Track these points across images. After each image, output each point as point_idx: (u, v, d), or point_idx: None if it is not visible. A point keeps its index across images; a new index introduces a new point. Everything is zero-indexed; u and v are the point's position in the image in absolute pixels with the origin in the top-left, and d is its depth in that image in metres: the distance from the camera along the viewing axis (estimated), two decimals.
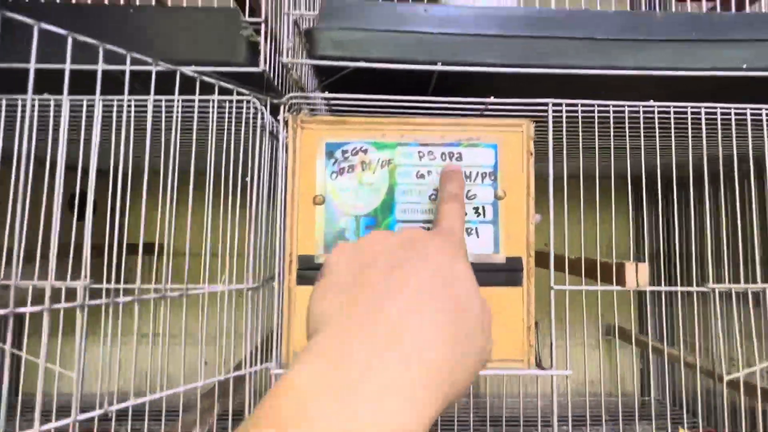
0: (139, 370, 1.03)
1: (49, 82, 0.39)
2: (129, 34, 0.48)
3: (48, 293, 0.38)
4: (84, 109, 0.46)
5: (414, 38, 0.48)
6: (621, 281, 0.48)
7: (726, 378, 0.46)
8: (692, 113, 0.49)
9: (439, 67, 0.48)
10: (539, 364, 0.49)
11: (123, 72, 0.46)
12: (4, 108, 0.46)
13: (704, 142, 0.49)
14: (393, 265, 0.21)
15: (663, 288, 0.48)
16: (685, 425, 0.86)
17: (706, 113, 0.49)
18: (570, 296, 0.49)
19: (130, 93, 0.47)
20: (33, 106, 0.48)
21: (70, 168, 0.48)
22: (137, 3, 0.55)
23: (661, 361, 1.11)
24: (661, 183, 0.50)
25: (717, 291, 0.47)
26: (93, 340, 0.91)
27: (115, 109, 0.48)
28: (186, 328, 0.44)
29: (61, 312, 0.37)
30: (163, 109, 0.48)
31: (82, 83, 0.39)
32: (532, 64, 0.49)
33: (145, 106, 0.48)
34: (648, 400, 1.15)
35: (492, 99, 0.49)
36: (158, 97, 0.46)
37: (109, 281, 0.45)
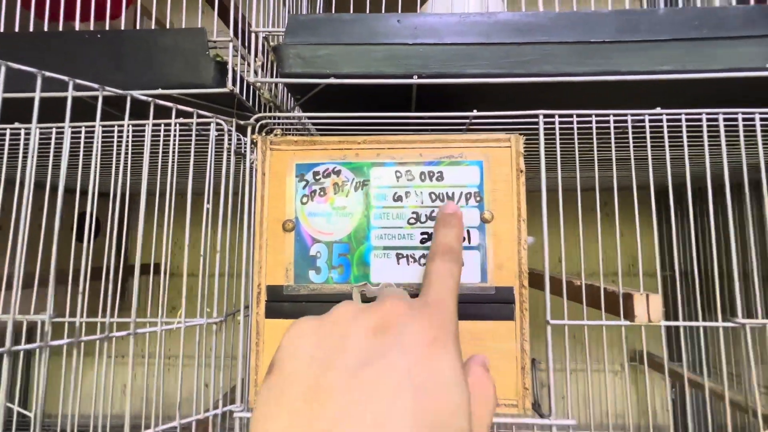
0: (124, 394, 1.01)
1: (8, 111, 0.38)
2: (96, 58, 0.47)
3: (10, 328, 0.36)
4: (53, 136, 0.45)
5: (386, 51, 0.44)
6: (629, 315, 0.41)
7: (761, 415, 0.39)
8: (708, 120, 0.43)
9: (415, 81, 0.45)
10: (537, 410, 0.43)
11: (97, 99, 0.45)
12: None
13: (724, 152, 0.43)
14: (362, 361, 0.18)
15: (681, 323, 0.41)
16: None
17: (725, 119, 0.43)
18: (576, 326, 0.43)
19: (106, 119, 0.46)
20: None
21: (70, 191, 0.46)
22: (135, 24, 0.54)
23: (696, 393, 1.00)
24: (674, 196, 0.44)
25: (748, 327, 0.40)
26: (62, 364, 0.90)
27: (83, 135, 0.46)
28: (168, 353, 0.40)
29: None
30: (123, 133, 0.46)
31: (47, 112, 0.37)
32: (518, 73, 0.44)
33: (127, 133, 0.47)
34: None
35: (475, 113, 0.45)
36: (111, 123, 0.44)
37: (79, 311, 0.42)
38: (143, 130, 0.44)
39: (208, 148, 0.45)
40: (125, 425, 0.40)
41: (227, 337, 0.45)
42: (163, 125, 0.45)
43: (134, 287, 0.38)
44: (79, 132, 0.46)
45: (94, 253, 0.39)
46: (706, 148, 0.43)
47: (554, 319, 0.43)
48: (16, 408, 0.39)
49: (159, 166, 0.43)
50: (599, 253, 0.43)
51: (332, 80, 0.45)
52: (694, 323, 0.42)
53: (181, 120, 0.44)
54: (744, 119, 0.43)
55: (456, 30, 0.44)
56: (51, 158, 0.46)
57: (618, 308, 0.42)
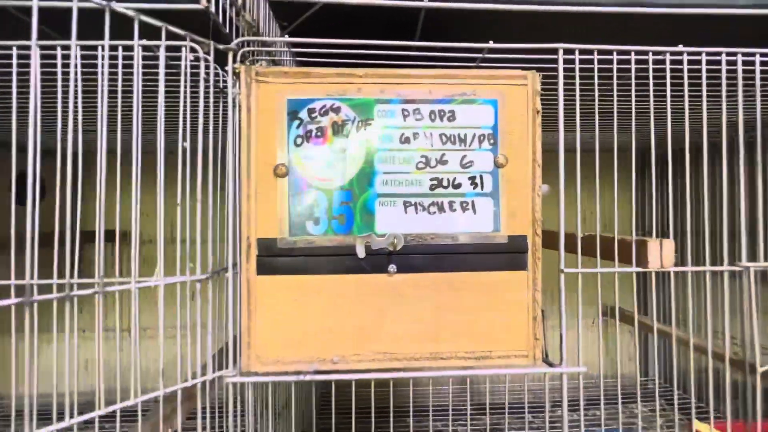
0: (87, 371, 0.93)
1: None
2: None
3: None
4: None
5: None
6: (642, 261, 0.40)
7: (760, 370, 0.40)
8: (727, 61, 0.41)
9: (425, 4, 0.39)
10: (547, 360, 0.42)
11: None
12: None
13: (740, 92, 0.41)
14: None
15: (690, 268, 0.41)
16: (693, 411, 0.81)
17: (744, 61, 0.41)
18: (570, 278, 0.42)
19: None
20: None
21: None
22: None
23: (662, 343, 1.07)
24: (678, 152, 0.42)
25: (752, 270, 0.40)
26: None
27: None
28: (138, 323, 0.35)
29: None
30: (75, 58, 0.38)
31: None
32: (539, 0, 0.40)
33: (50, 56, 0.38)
34: (646, 381, 1.12)
35: (490, 44, 0.41)
36: (64, 42, 0.35)
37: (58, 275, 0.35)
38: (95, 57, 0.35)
39: (177, 82, 0.38)
40: (97, 399, 0.35)
41: (214, 297, 0.40)
42: (121, 49, 0.37)
43: (98, 246, 0.32)
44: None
45: (41, 217, 0.32)
46: (724, 89, 0.41)
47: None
48: None
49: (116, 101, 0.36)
50: (614, 209, 0.42)
51: None
52: (700, 268, 0.41)
53: (145, 42, 0.37)
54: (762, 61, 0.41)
55: None
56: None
57: (630, 257, 0.41)
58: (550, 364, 0.41)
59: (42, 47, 0.38)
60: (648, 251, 0.40)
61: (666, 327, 0.79)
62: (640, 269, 0.41)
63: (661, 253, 0.40)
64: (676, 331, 0.44)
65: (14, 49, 0.40)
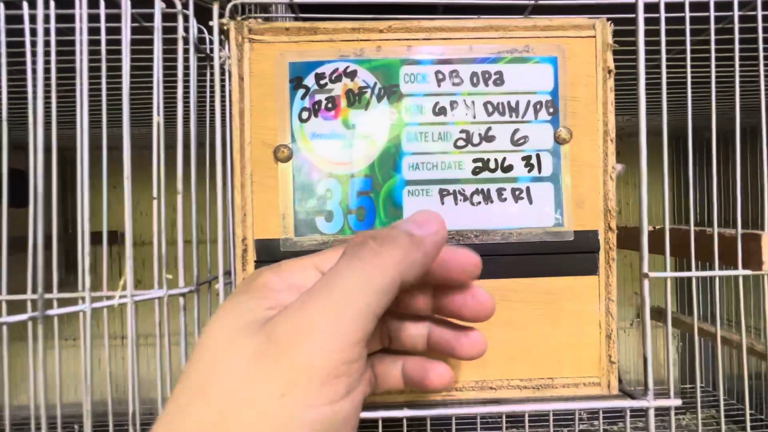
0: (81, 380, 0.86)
1: None
2: None
3: None
4: None
5: None
6: (754, 262, 0.31)
7: None
8: None
9: None
10: (623, 388, 0.33)
11: None
12: None
13: None
14: None
15: None
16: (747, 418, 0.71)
17: None
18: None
19: None
20: None
21: None
22: None
23: (707, 346, 0.97)
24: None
25: None
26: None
27: None
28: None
29: None
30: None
31: None
32: None
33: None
34: (689, 390, 1.02)
35: None
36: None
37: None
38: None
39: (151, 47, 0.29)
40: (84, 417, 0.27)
41: (202, 314, 0.32)
42: (85, 4, 0.29)
43: (43, 251, 0.24)
44: None
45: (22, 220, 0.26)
46: None
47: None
48: None
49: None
50: (707, 199, 0.32)
51: None
52: None
53: None
54: None
55: None
56: None
57: (731, 256, 0.32)
58: (631, 395, 0.32)
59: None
60: (762, 249, 0.30)
61: (732, 334, 0.69)
62: (749, 272, 0.31)
63: None
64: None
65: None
